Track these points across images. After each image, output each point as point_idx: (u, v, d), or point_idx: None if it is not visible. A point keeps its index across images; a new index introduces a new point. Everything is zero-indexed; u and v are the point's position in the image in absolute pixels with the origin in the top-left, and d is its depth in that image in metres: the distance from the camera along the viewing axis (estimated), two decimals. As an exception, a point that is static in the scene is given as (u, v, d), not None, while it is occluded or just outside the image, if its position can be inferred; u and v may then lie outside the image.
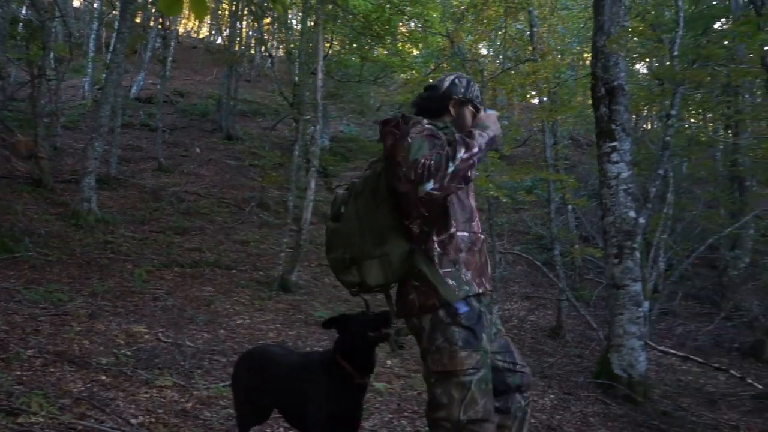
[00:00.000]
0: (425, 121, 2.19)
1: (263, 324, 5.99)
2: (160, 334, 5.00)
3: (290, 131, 14.33)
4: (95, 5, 18.22)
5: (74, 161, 11.23)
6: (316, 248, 9.55)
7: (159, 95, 13.93)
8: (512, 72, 9.55)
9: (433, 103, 2.40)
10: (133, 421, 3.20)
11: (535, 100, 13.71)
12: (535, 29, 9.30)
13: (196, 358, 4.57)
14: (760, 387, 5.84)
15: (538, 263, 8.32)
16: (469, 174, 2.07)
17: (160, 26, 17.13)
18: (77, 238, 7.78)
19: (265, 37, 15.97)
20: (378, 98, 19.48)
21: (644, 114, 14.16)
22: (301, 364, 2.70)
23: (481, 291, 2.18)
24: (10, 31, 8.87)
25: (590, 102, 6.00)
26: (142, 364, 4.22)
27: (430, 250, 2.14)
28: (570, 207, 10.84)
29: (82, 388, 3.55)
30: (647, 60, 13.12)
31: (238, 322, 5.90)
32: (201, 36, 31.07)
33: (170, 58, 16.63)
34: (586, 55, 13.64)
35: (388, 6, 10.51)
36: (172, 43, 18.61)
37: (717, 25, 10.90)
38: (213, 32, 29.60)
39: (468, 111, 2.42)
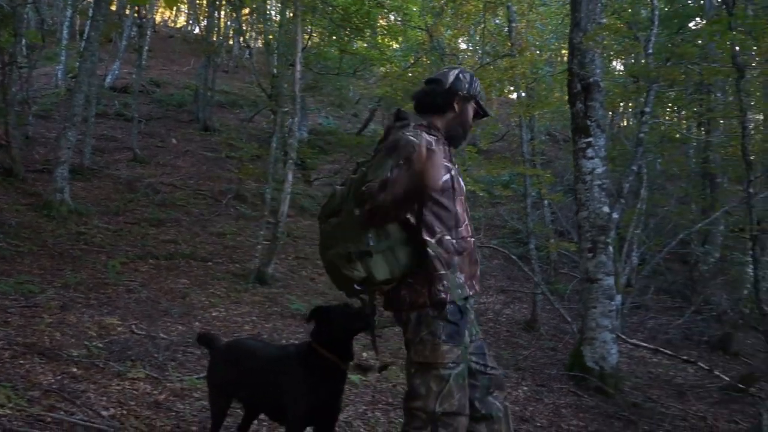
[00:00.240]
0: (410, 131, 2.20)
1: (239, 316, 5.96)
2: (133, 326, 4.95)
3: (268, 123, 14.22)
4: (69, -8, 17.84)
5: (47, 151, 11.02)
6: (293, 241, 9.52)
7: (135, 85, 13.71)
8: (490, 67, 9.59)
9: (438, 98, 2.36)
10: (104, 413, 3.17)
11: (513, 96, 13.80)
12: (513, 25, 9.34)
13: (170, 350, 4.54)
14: (727, 379, 5.98)
15: (514, 257, 8.40)
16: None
17: (136, 15, 16.85)
18: (49, 229, 7.65)
19: (244, 28, 15.80)
20: (357, 91, 19.42)
21: (620, 111, 14.32)
22: (277, 356, 2.70)
23: (470, 293, 2.23)
24: (-21, 16, 8.66)
25: (567, 98, 6.06)
26: (114, 356, 4.18)
27: (425, 250, 2.15)
28: (546, 202, 10.95)
29: (52, 380, 3.50)
30: (623, 57, 13.27)
31: (214, 314, 5.86)
32: (178, 25, 30.63)
33: (146, 48, 16.36)
34: (563, 51, 13.75)
35: (367, -2, 10.49)
36: (149, 32, 18.29)
37: (692, 24, 11.08)
38: (190, 22, 29.19)
39: (471, 107, 2.42)
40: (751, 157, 4.76)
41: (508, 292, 9.56)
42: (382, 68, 13.65)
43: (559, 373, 5.75)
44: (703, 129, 10.82)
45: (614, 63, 15.79)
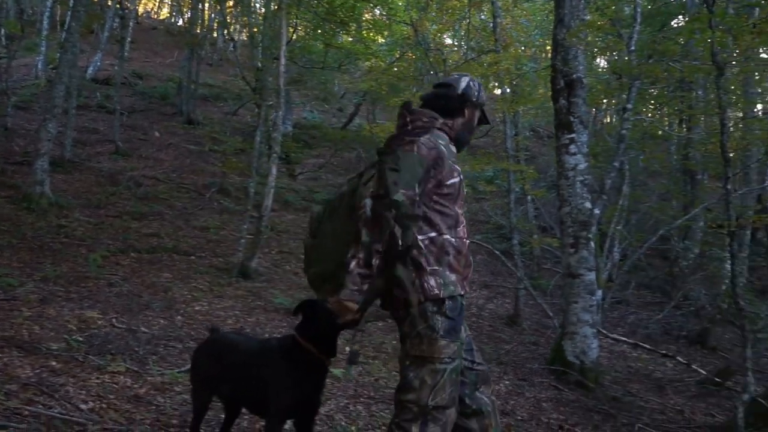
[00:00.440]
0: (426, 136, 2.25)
1: (222, 310, 5.93)
2: (114, 320, 4.91)
3: (252, 117, 14.15)
4: (50, -19, 17.55)
5: (26, 143, 10.87)
6: (276, 235, 9.49)
7: (117, 77, 13.55)
8: (475, 63, 9.61)
9: (451, 102, 2.42)
10: (83, 406, 3.15)
11: (498, 91, 13.84)
12: (498, 20, 9.34)
13: (151, 344, 4.51)
14: (704, 373, 6.07)
15: (497, 252, 8.44)
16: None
17: (118, 6, 16.63)
18: (29, 221, 7.55)
19: (228, 20, 15.67)
20: (342, 85, 19.36)
21: (603, 107, 14.44)
22: (259, 350, 2.70)
23: (462, 293, 2.27)
24: (-43, 5, 8.50)
25: (551, 94, 6.10)
26: (94, 349, 4.14)
27: (417, 248, 2.19)
28: (529, 197, 11.01)
29: (31, 374, 3.47)
30: (606, 54, 13.38)
31: (196, 308, 5.83)
32: (161, 17, 30.30)
33: (129, 39, 16.17)
34: (548, 47, 13.82)
35: (353, -8, 10.45)
36: (131, 24, 18.11)
37: (674, 23, 11.19)
38: (174, 14, 28.89)
39: (476, 115, 2.50)
40: (730, 154, 4.82)
41: (492, 287, 9.62)
42: (367, 62, 13.64)
43: (540, 367, 5.80)
44: (684, 126, 10.94)
45: (598, 60, 15.92)
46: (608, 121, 17.18)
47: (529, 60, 13.18)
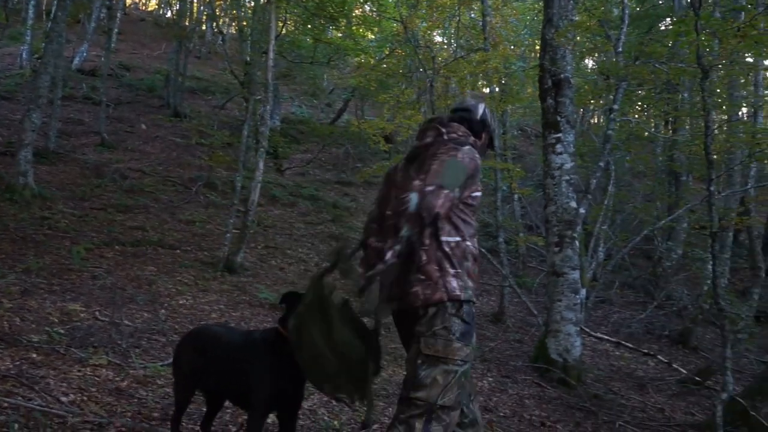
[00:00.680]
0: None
1: (206, 305, 5.91)
2: (97, 313, 4.87)
3: (240, 111, 14.07)
4: (36, -30, 17.32)
5: (10, 133, 10.72)
6: (263, 230, 9.45)
7: (103, 68, 13.40)
8: (464, 60, 9.62)
9: (475, 126, 2.54)
10: (64, 398, 3.12)
11: (486, 90, 13.88)
12: (488, 19, 9.37)
13: (134, 337, 4.48)
14: (685, 372, 6.15)
15: (483, 250, 8.46)
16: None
17: (105, -4, 16.47)
18: (11, 213, 7.45)
19: (217, 13, 15.56)
20: (331, 81, 19.33)
21: (590, 108, 14.52)
22: (242, 342, 2.69)
23: (475, 301, 2.35)
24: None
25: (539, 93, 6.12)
26: (76, 342, 4.11)
27: (442, 249, 2.25)
28: (516, 196, 11.07)
29: (11, 366, 3.43)
30: (594, 55, 13.46)
31: (181, 302, 5.80)
32: (150, 8, 30.03)
33: (116, 30, 16.03)
34: (537, 46, 13.87)
35: (343, -13, 10.41)
36: (119, 15, 17.94)
37: (661, 25, 11.28)
38: (162, 5, 28.63)
39: (487, 139, 2.62)
40: (714, 156, 4.87)
41: (477, 284, 9.65)
42: (356, 58, 13.60)
43: (523, 364, 5.84)
44: (669, 128, 11.05)
45: (586, 60, 16.01)
46: (595, 121, 17.31)
47: (518, 59, 13.22)
